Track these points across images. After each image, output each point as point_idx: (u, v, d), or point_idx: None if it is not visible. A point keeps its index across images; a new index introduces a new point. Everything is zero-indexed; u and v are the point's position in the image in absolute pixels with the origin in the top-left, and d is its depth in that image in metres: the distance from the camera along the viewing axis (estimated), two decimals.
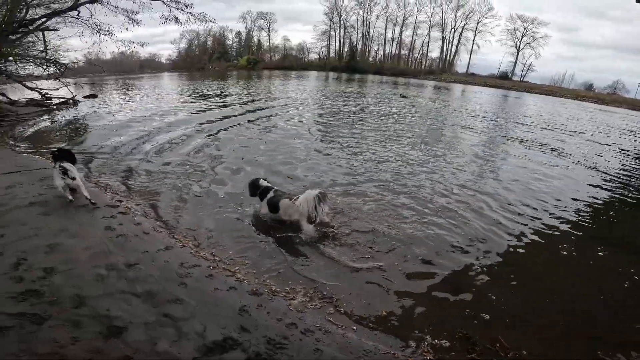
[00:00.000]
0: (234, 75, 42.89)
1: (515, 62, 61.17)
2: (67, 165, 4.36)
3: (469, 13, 61.75)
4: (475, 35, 61.98)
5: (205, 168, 6.48)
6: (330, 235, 4.15)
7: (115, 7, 14.55)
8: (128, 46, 15.79)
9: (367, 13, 65.04)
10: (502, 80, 56.69)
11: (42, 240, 3.51)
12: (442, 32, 64.13)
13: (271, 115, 12.34)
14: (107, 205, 4.50)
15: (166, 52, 61.82)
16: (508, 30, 60.62)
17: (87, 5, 13.82)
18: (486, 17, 60.74)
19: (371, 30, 65.91)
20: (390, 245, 4.07)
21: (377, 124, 11.89)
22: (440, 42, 64.47)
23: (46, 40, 12.85)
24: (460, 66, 64.15)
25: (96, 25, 14.36)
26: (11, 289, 2.74)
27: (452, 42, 63.71)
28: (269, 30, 62.88)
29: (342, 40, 65.73)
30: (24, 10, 11.87)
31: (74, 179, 4.31)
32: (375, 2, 64.39)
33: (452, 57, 64.35)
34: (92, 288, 2.86)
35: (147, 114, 11.93)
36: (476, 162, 8.03)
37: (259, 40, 62.57)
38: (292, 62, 61.02)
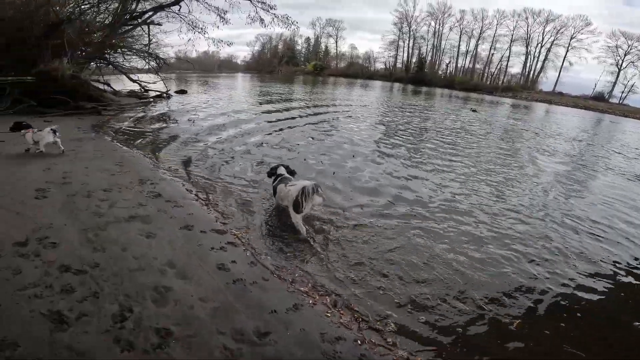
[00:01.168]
0: (300, 80, 43.52)
1: (615, 82, 53.25)
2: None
3: (561, 28, 55.40)
4: (567, 51, 55.35)
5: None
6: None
7: (209, 4, 15.00)
8: (217, 45, 16.21)
9: (440, 24, 62.02)
10: (597, 102, 49.47)
11: (148, 277, 2.80)
12: (527, 47, 58.52)
13: (331, 126, 11.38)
14: (213, 231, 3.75)
15: (242, 53, 65.39)
16: (609, 47, 53.02)
17: (186, 1, 14.38)
18: (581, 33, 53.93)
19: (443, 42, 62.70)
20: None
21: (442, 141, 10.35)
22: (522, 57, 58.91)
23: (150, 34, 13.52)
24: (546, 84, 57.72)
25: (192, 23, 14.90)
26: None
27: (538, 57, 57.69)
28: (336, 38, 63.28)
29: (410, 51, 63.48)
30: (134, 3, 12.53)
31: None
32: (449, 14, 61.18)
33: (536, 73, 58.25)
34: None
35: (229, 112, 11.94)
36: (557, 192, 6.61)
37: (326, 47, 63.26)
38: (358, 71, 60.35)
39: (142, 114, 10.65)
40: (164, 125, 9.36)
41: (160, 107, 12.42)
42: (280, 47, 58.72)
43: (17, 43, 9.72)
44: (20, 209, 3.66)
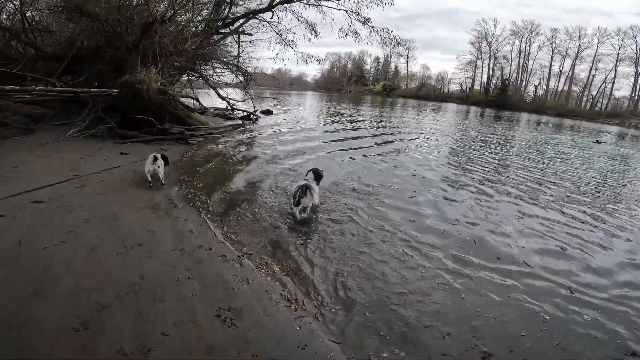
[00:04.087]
0: (368, 100, 40.79)
1: None
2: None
3: None
4: None
5: None
6: None
7: (300, 16, 12.79)
8: (306, 60, 13.88)
9: (526, 44, 55.36)
10: None
11: None
12: (636, 67, 49.07)
13: (398, 153, 8.88)
14: None
15: (311, 72, 65.59)
16: None
17: (278, 8, 12.32)
18: None
19: (530, 62, 55.70)
20: None
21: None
22: (631, 79, 49.48)
23: (240, 45, 11.58)
24: None
25: (281, 36, 12.77)
26: None
27: None
28: (407, 57, 59.88)
29: (490, 72, 57.44)
30: (228, 7, 10.69)
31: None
32: (537, 32, 54.34)
33: None
34: None
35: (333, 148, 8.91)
36: None
37: (396, 67, 60.18)
38: (429, 92, 56.01)
39: (234, 145, 8.07)
40: (266, 172, 5.95)
41: (252, 134, 9.95)
42: (349, 66, 57.25)
43: (110, 47, 8.14)
44: None
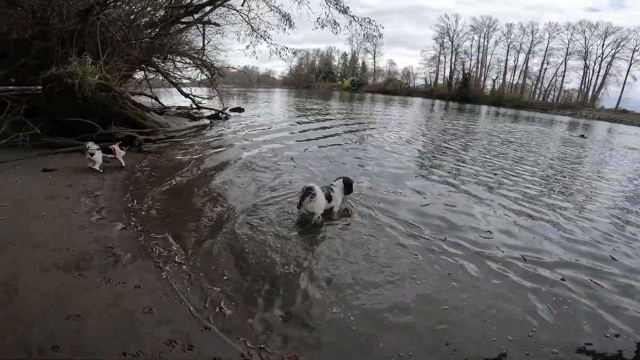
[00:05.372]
0: (337, 96, 40.40)
1: None
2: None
3: (622, 40, 49.92)
4: (630, 65, 49.63)
5: None
6: None
7: (274, 5, 11.78)
8: (280, 52, 12.85)
9: (485, 38, 57.97)
10: None
11: None
12: (585, 61, 53.17)
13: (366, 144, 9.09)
14: None
15: (279, 69, 63.89)
16: None
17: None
18: None
19: (488, 57, 58.42)
20: None
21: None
22: (580, 72, 53.56)
23: (205, 37, 10.31)
24: (608, 100, 51.84)
25: (252, 27, 11.65)
26: None
27: (598, 72, 52.20)
28: (374, 53, 60.29)
29: (452, 67, 59.49)
30: None
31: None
32: (495, 28, 57.10)
33: (596, 89, 52.60)
34: None
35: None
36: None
37: (363, 63, 60.31)
38: (396, 87, 56.82)
39: (201, 149, 6.84)
40: (245, 185, 4.82)
41: (222, 136, 8.73)
42: (317, 62, 56.45)
43: (36, 38, 6.68)
44: None
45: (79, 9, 6.60)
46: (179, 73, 10.63)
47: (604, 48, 51.51)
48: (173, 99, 11.09)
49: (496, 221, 4.23)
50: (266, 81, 51.41)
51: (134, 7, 7.79)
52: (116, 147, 4.96)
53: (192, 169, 5.39)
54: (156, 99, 9.76)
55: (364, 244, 3.33)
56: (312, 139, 9.02)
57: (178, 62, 10.42)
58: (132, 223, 3.35)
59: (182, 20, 9.30)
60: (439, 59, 59.71)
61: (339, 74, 59.62)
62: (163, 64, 9.94)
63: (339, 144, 8.67)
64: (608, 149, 13.23)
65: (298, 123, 12.56)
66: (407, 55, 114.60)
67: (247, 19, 11.23)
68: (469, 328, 2.33)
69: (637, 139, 19.69)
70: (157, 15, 8.60)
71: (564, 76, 54.39)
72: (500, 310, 2.53)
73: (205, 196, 4.27)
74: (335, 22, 13.28)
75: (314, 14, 13.01)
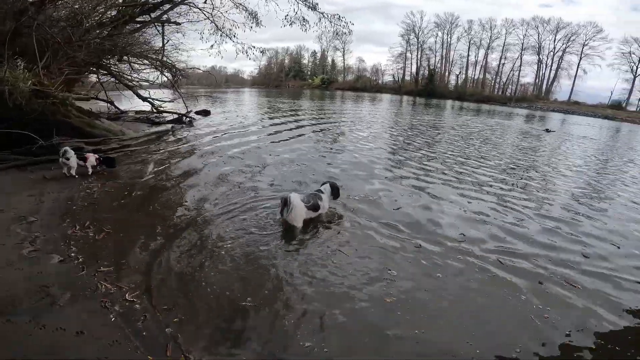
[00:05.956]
0: (307, 94, 40.17)
1: (631, 90, 51.10)
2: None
3: (572, 35, 53.64)
4: (580, 59, 53.44)
5: None
6: None
7: (239, 2, 11.27)
8: (247, 51, 12.34)
9: (448, 35, 60.05)
10: (616, 110, 47.10)
11: None
12: (538, 55, 56.54)
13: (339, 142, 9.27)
14: None
15: (248, 68, 62.29)
16: (623, 54, 51.16)
17: None
18: (593, 40, 52.11)
19: (452, 53, 60.56)
20: None
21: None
22: (534, 66, 56.91)
23: (165, 37, 9.56)
24: (561, 93, 55.55)
25: (216, 25, 11.06)
26: None
27: (551, 66, 55.72)
28: (343, 51, 60.53)
29: (418, 63, 61.09)
30: None
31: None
32: (457, 24, 59.34)
33: (549, 82, 56.16)
34: None
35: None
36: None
37: (333, 61, 60.38)
38: (365, 84, 57.46)
39: (162, 160, 6.22)
40: (214, 206, 4.13)
41: (186, 142, 8.13)
42: (286, 61, 55.65)
43: None
44: None
45: (13, 10, 5.84)
46: (136, 75, 9.84)
47: (555, 43, 55.03)
48: (130, 103, 10.31)
49: (462, 218, 4.24)
50: (235, 81, 50.00)
51: (79, 7, 7.02)
52: (91, 155, 4.98)
53: (148, 181, 4.92)
54: (112, 103, 9.01)
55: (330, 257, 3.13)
56: (281, 141, 8.73)
57: (135, 63, 9.64)
58: (73, 254, 2.89)
59: (137, 19, 8.57)
60: (405, 56, 61.11)
61: (309, 73, 59.38)
62: (116, 67, 9.15)
63: (309, 144, 8.50)
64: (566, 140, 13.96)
65: (267, 125, 12.17)
66: (375, 52, 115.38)
67: (210, 17, 10.65)
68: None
69: (590, 129, 21.23)
70: (109, 14, 7.84)
71: (520, 70, 57.59)
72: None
73: (162, 214, 3.84)
74: (304, 19, 12.92)
75: (282, 11, 12.60)
